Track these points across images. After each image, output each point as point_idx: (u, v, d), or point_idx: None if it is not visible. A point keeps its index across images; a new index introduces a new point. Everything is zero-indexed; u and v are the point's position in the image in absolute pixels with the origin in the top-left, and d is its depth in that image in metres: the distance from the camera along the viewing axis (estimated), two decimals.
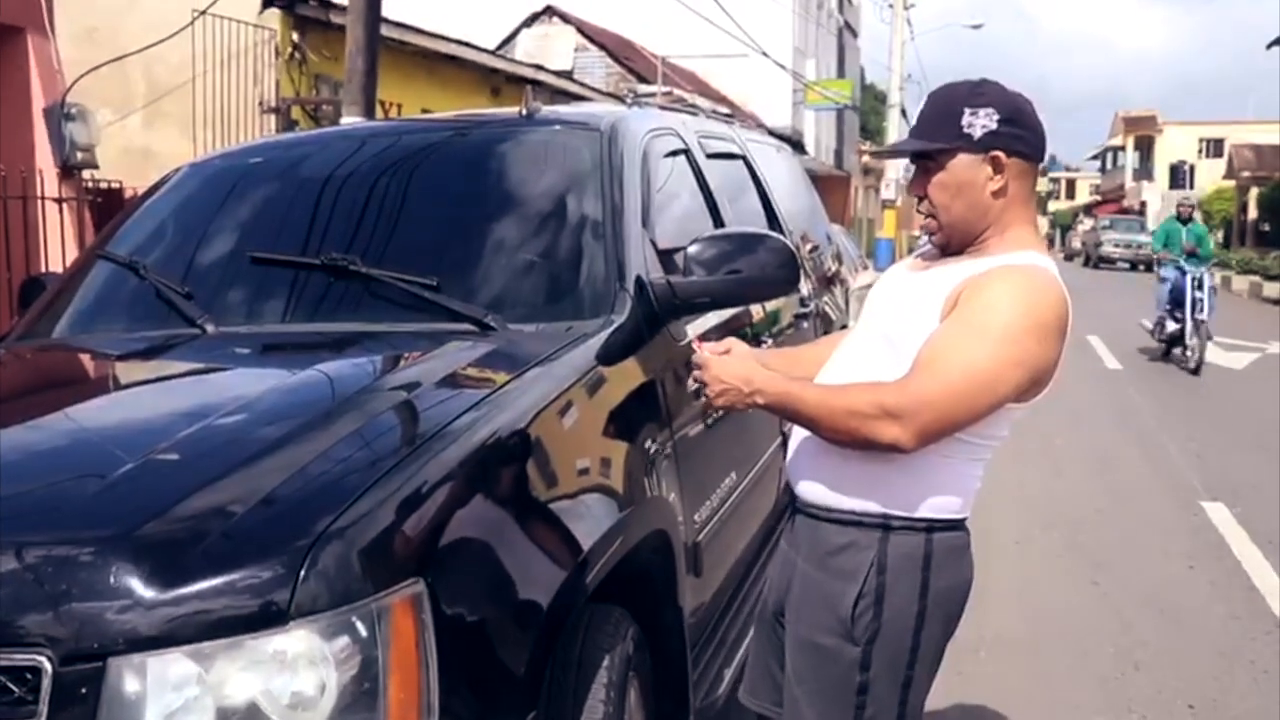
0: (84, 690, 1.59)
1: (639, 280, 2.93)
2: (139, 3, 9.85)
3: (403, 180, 3.37)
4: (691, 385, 2.42)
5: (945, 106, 2.21)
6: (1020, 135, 2.18)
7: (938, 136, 2.19)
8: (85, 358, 3.04)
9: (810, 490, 2.34)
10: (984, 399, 2.09)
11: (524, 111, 3.53)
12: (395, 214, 3.23)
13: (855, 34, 44.94)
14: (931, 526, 2.24)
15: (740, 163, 4.81)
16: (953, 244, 2.25)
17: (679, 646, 2.73)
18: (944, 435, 2.12)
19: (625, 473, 2.49)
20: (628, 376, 2.71)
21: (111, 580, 1.62)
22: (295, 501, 1.77)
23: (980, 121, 2.15)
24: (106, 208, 8.12)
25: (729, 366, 2.29)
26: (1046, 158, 2.39)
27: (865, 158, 41.24)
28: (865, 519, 2.25)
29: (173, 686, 1.63)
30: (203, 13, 8.94)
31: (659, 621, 2.66)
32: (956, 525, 2.29)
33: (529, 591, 1.98)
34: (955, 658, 4.34)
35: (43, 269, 7.17)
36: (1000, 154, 2.16)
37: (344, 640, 1.67)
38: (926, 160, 2.22)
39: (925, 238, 2.45)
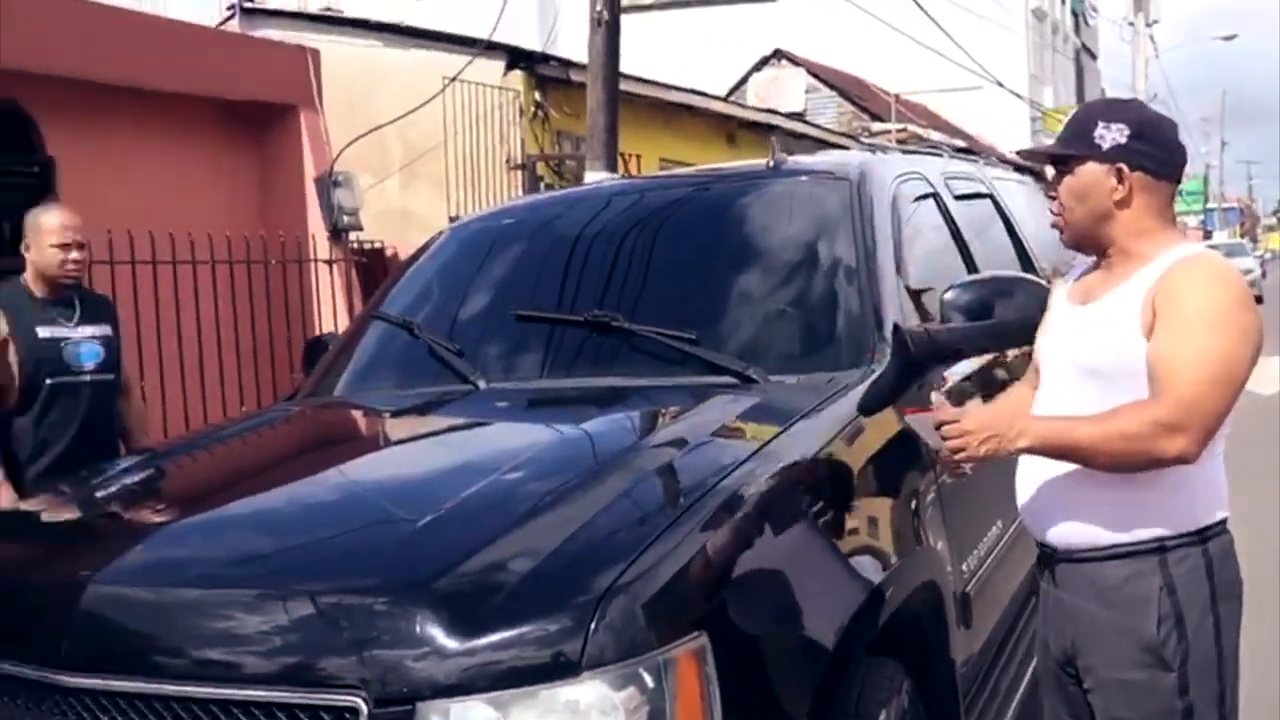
0: None
1: (896, 328, 2.91)
2: (392, 75, 10.47)
3: (654, 235, 3.45)
4: (939, 443, 2.35)
5: (1085, 119, 2.35)
6: (1148, 152, 2.27)
7: (1071, 144, 2.32)
8: (370, 414, 3.24)
9: (1072, 533, 2.31)
10: (1235, 384, 2.15)
11: (770, 163, 3.58)
12: (649, 269, 3.32)
13: (1094, 56, 43.36)
14: (1205, 535, 2.25)
15: (988, 201, 4.72)
16: (1079, 244, 2.38)
17: (951, 700, 2.68)
18: (1215, 433, 2.15)
19: (895, 524, 2.48)
20: (890, 426, 2.69)
21: (417, 629, 1.73)
22: (582, 556, 1.85)
23: (1111, 135, 2.26)
24: (370, 267, 8.65)
25: (988, 413, 2.34)
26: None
27: None
28: (1141, 547, 2.24)
29: None
30: (453, 80, 9.42)
31: (930, 674, 2.62)
32: (1223, 526, 2.30)
33: (807, 644, 2.00)
34: None
35: (316, 325, 7.68)
36: (1124, 166, 2.25)
37: (632, 691, 1.73)
38: (1062, 164, 2.35)
39: (1073, 268, 2.58)
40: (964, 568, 2.90)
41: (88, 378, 4.14)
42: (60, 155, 7.13)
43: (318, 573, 1.93)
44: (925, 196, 3.78)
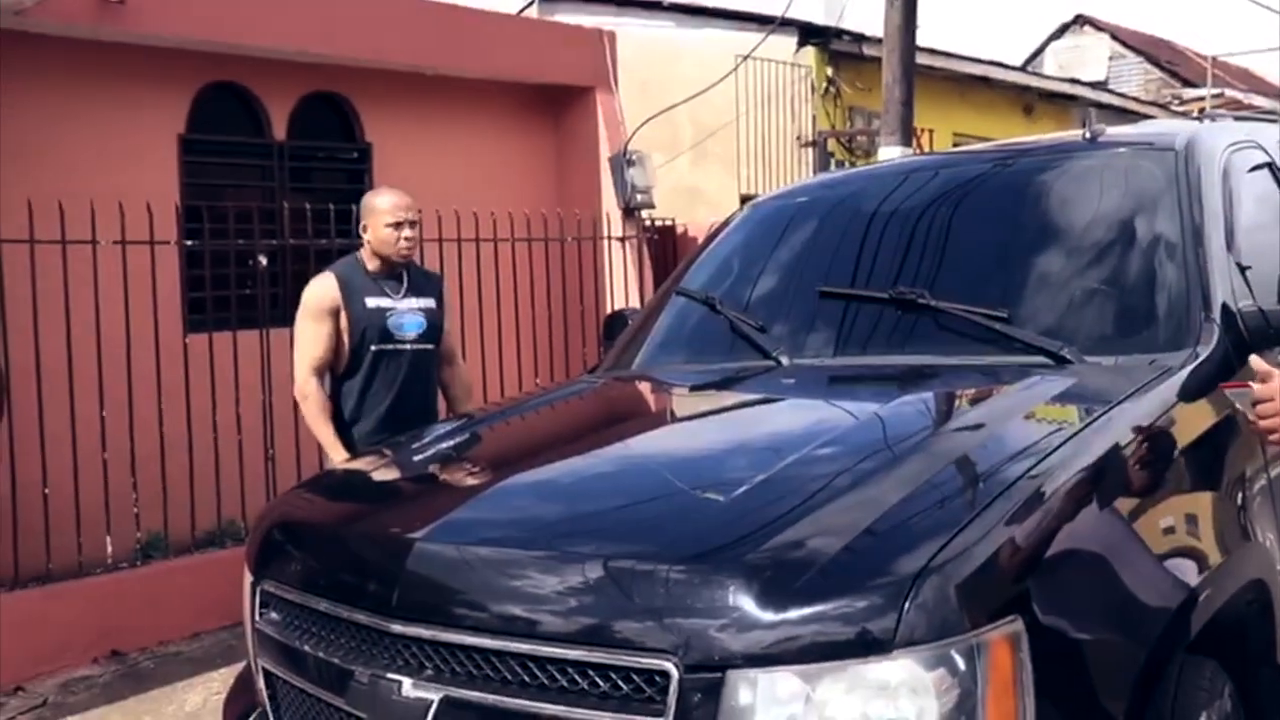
0: (705, 696, 1.74)
1: (1225, 309, 2.73)
2: (684, 54, 10.61)
3: (963, 212, 3.35)
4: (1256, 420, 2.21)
5: None
6: None
7: None
8: (674, 388, 3.30)
9: None
10: None
11: (1087, 135, 3.41)
12: (956, 246, 3.23)
13: None
14: None
15: None
16: None
17: (1276, 709, 2.50)
18: None
19: (1220, 517, 2.34)
20: (1217, 412, 2.53)
21: (729, 598, 1.76)
22: (896, 535, 1.83)
23: None
24: (661, 244, 8.82)
25: None
26: None
27: None
28: None
29: (781, 702, 1.74)
30: (746, 57, 9.47)
31: (1254, 680, 2.46)
32: None
33: (1127, 636, 1.92)
34: None
35: (609, 301, 7.91)
36: None
37: (943, 672, 1.70)
38: None
39: None
40: None
41: (409, 347, 4.38)
42: (376, 141, 7.64)
43: (634, 540, 2.00)
44: (1261, 166, 3.51)
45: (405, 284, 4.43)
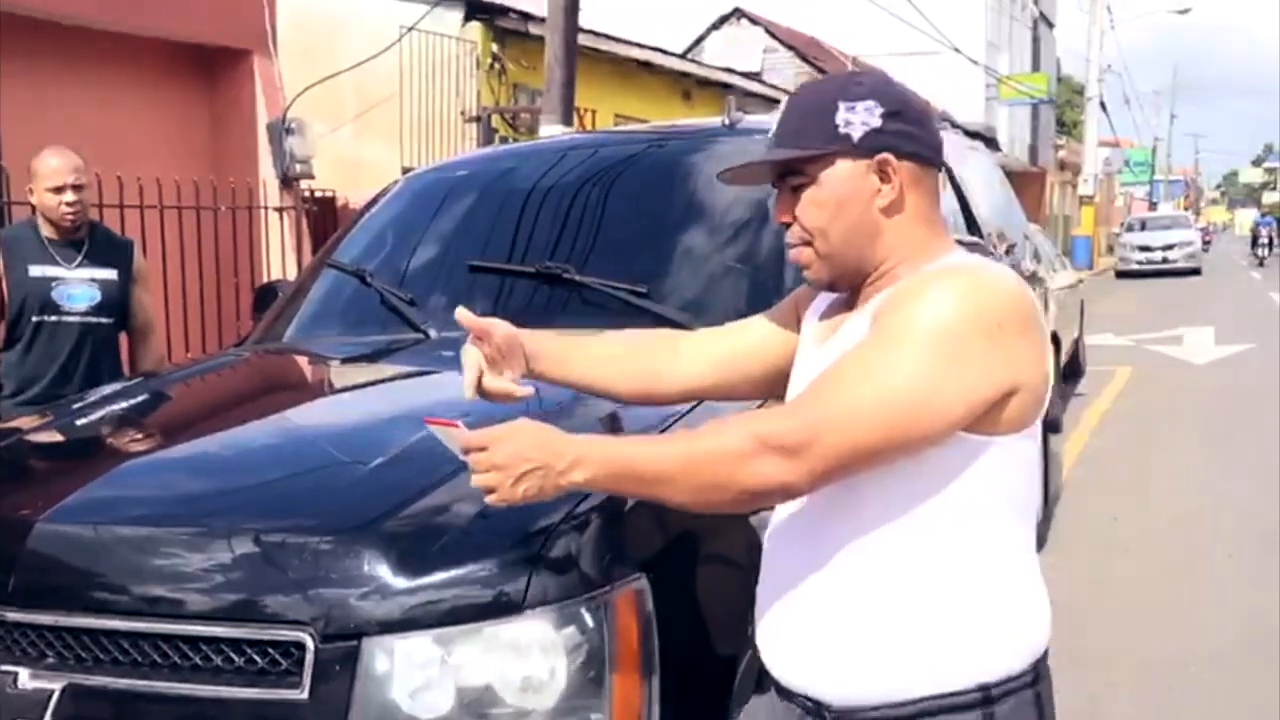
0: (341, 666, 1.75)
1: None
2: (350, 22, 10.37)
3: (611, 189, 3.49)
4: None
5: (815, 104, 1.69)
6: (910, 133, 1.68)
7: (807, 141, 1.67)
8: (321, 360, 3.27)
9: (837, 687, 1.64)
10: (914, 416, 1.52)
11: (726, 121, 3.62)
12: (605, 222, 3.36)
13: (1051, 25, 43.53)
14: (988, 696, 1.60)
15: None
16: (840, 281, 1.73)
17: None
18: (851, 470, 1.54)
19: None
20: None
21: (365, 568, 1.78)
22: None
23: (860, 118, 1.65)
24: (321, 215, 8.61)
25: (532, 434, 1.58)
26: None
27: (1061, 153, 39.91)
28: (959, 699, 1.60)
29: (418, 666, 1.77)
30: (410, 29, 9.36)
31: None
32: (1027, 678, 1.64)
33: (746, 584, 2.06)
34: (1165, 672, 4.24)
35: (265, 272, 7.65)
36: (889, 156, 1.65)
37: (572, 630, 1.78)
38: (794, 176, 1.69)
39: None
40: None
41: (76, 319, 4.15)
42: (4, 95, 7.03)
43: (265, 513, 1.97)
44: None
45: (83, 252, 4.19)
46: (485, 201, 3.64)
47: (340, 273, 3.62)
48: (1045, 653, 1.68)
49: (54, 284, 4.11)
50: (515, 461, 1.56)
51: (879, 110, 1.66)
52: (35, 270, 4.11)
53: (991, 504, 1.62)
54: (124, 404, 2.96)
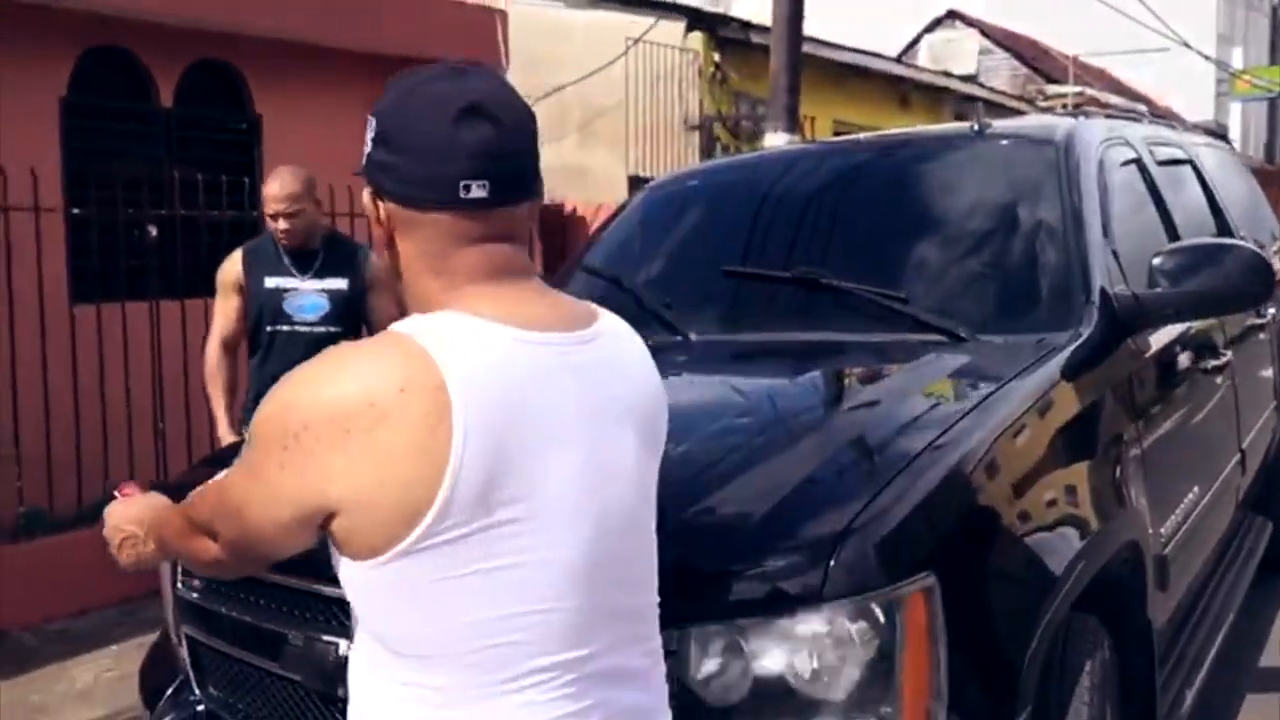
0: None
1: (1103, 292, 2.94)
2: (573, 35, 10.68)
3: (861, 197, 3.53)
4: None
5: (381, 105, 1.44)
6: (390, 164, 1.39)
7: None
8: None
9: None
10: (240, 520, 1.42)
11: (975, 127, 3.61)
12: (856, 229, 3.40)
13: None
14: None
15: (1188, 167, 4.66)
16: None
17: (1146, 660, 2.72)
18: (251, 557, 1.50)
19: (1101, 483, 2.53)
20: (1097, 387, 2.74)
21: (666, 557, 1.87)
22: (818, 498, 1.98)
23: (368, 136, 1.42)
24: (549, 223, 8.88)
25: (118, 515, 1.75)
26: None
27: None
28: None
29: (715, 654, 1.86)
30: (636, 41, 9.57)
31: (1127, 633, 2.67)
32: None
33: (1025, 592, 2.09)
34: None
35: None
36: (369, 191, 1.45)
37: (864, 624, 1.84)
38: None
39: None
40: (1162, 530, 2.93)
41: (306, 329, 4.25)
42: (266, 114, 7.54)
43: None
44: (1130, 162, 3.76)
45: (315, 263, 4.29)
46: (736, 209, 3.72)
47: (589, 277, 3.75)
48: None
49: (286, 295, 4.24)
50: (114, 533, 1.74)
51: (372, 131, 1.41)
52: (270, 281, 4.26)
53: (382, 638, 1.39)
54: None
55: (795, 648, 1.84)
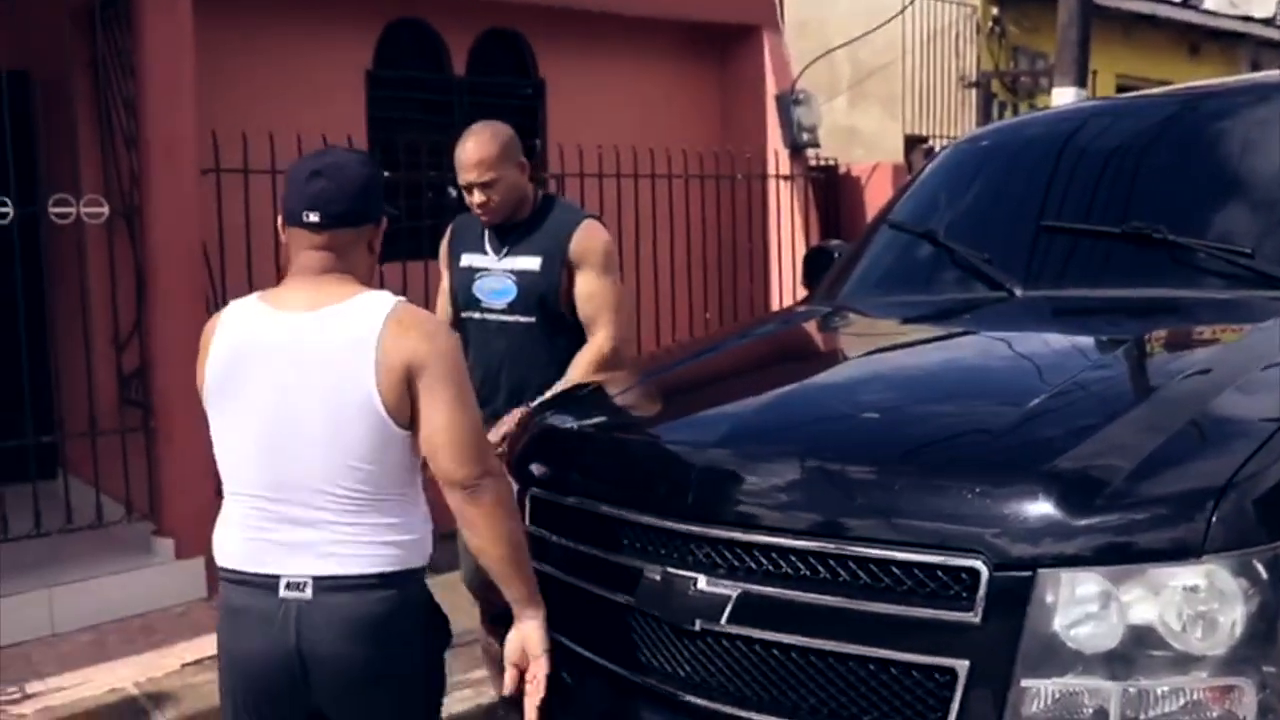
0: (1013, 594, 1.87)
1: None
2: None
3: (1179, 151, 3.35)
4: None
5: None
6: (283, 200, 2.35)
7: None
8: (912, 319, 3.32)
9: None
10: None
11: None
12: (1184, 183, 3.24)
13: None
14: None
15: None
16: None
17: None
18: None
19: None
20: None
21: (1041, 504, 1.89)
22: (1192, 453, 1.95)
23: None
24: (824, 184, 8.84)
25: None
26: None
27: None
28: None
29: (1083, 601, 1.86)
30: (911, 1, 9.38)
31: None
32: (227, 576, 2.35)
33: None
34: None
35: (775, 240, 8.00)
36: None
37: (1245, 580, 1.81)
38: None
39: None
40: None
41: (495, 316, 3.53)
42: (549, 78, 7.79)
43: (939, 449, 2.13)
44: None
45: (513, 239, 3.50)
46: (1052, 163, 3.60)
47: (896, 234, 3.73)
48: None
49: (478, 275, 3.55)
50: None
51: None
52: (465, 259, 3.60)
53: None
54: (726, 354, 3.23)
55: (1171, 599, 1.83)
